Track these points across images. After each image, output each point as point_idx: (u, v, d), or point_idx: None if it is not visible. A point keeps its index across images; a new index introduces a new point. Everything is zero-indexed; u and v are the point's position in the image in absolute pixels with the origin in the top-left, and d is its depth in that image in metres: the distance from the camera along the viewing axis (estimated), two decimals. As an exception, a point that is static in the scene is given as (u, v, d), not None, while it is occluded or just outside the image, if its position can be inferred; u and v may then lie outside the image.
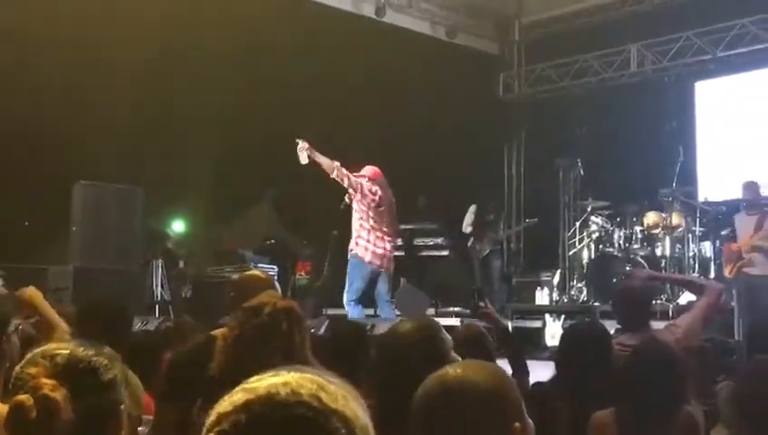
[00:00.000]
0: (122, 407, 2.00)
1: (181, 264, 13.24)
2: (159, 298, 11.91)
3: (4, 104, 11.56)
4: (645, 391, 3.42)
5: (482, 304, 4.67)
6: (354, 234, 9.21)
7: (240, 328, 2.89)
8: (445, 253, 11.88)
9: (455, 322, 10.11)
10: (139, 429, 3.26)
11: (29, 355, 1.97)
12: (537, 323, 10.41)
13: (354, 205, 9.18)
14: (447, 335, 2.72)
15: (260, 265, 12.88)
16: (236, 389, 1.35)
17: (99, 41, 11.67)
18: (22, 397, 1.87)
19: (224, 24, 12.08)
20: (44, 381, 1.89)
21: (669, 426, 3.36)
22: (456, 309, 11.37)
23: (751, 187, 10.01)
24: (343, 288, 12.94)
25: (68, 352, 1.96)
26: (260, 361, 2.71)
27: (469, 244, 12.00)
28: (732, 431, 3.33)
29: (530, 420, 1.81)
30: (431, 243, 11.75)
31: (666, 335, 4.58)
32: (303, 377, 1.32)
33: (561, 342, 4.21)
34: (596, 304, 10.78)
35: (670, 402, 3.41)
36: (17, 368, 1.95)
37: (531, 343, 9.86)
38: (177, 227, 14.05)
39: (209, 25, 12.08)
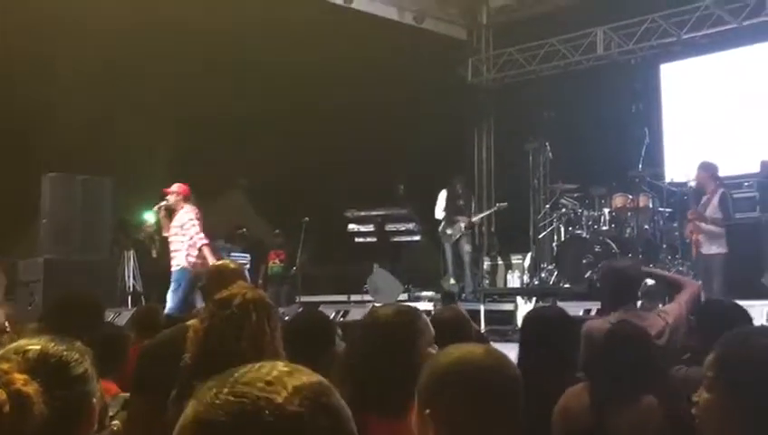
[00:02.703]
0: (94, 400, 2.04)
1: (154, 254, 13.19)
2: (132, 289, 11.89)
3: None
4: (615, 369, 3.51)
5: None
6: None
7: (210, 320, 2.91)
8: (416, 238, 11.92)
9: (428, 306, 10.21)
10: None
11: (1, 351, 2.00)
12: (509, 306, 10.49)
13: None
14: (427, 321, 2.74)
15: (233, 254, 12.91)
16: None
17: (68, 30, 11.57)
18: None
19: (186, 11, 12.02)
20: (17, 376, 1.92)
21: (634, 406, 3.44)
22: (429, 293, 11.48)
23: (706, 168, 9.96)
24: (317, 275, 13.04)
25: (39, 347, 1.99)
26: (230, 352, 2.75)
27: (440, 229, 12.07)
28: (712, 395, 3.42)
29: None
30: (402, 228, 11.78)
31: (656, 320, 4.65)
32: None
33: (523, 326, 4.27)
34: (566, 285, 10.90)
35: (638, 384, 3.49)
36: None
37: (503, 325, 9.95)
38: (149, 217, 13.98)
39: (167, 12, 12.01)
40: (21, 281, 10.75)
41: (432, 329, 2.68)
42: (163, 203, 9.64)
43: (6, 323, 2.88)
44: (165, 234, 9.73)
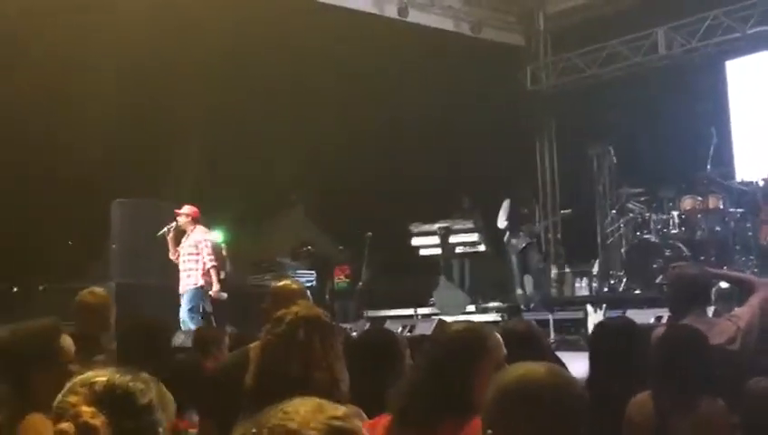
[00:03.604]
0: (161, 429, 2.06)
1: (222, 274, 13.34)
2: (202, 310, 12.02)
3: (44, 127, 11.79)
4: (671, 374, 3.44)
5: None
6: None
7: (265, 338, 2.93)
8: (482, 249, 11.84)
9: (495, 317, 10.12)
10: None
11: (69, 384, 2.03)
12: (578, 314, 10.32)
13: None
14: (498, 342, 2.70)
15: (298, 271, 13.00)
16: None
17: (134, 63, 11.84)
18: (63, 425, 1.93)
19: (246, 33, 12.18)
20: (84, 408, 1.95)
21: (695, 412, 3.36)
22: (496, 304, 11.37)
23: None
24: (383, 289, 13.03)
25: (106, 379, 2.02)
26: (280, 371, 2.76)
27: (505, 239, 11.95)
28: None
29: None
30: (467, 240, 11.72)
31: (727, 325, 4.52)
32: None
33: (590, 340, 4.19)
34: (636, 291, 10.69)
35: (696, 389, 3.42)
36: (58, 397, 2.01)
37: (573, 335, 9.81)
38: (215, 237, 14.15)
39: (232, 37, 12.19)
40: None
41: (503, 349, 2.65)
42: (173, 224, 9.86)
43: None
44: (171, 256, 9.94)
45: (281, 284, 3.87)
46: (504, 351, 2.64)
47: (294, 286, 3.82)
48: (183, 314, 9.50)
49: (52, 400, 2.03)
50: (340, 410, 1.64)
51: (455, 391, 2.45)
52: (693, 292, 4.69)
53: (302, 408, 1.62)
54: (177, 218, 9.87)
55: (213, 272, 9.70)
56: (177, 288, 10.08)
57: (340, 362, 2.88)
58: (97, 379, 2.02)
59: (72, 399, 1.98)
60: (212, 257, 9.72)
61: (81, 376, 2.05)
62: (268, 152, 13.66)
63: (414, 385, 2.57)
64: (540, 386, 1.84)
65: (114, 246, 11.15)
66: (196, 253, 9.72)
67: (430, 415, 2.44)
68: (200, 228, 9.89)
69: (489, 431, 1.85)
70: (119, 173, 12.39)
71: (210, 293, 9.81)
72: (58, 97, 11.64)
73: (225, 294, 9.98)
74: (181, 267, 9.83)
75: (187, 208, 9.92)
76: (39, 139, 11.99)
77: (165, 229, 9.98)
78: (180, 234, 9.94)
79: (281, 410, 1.60)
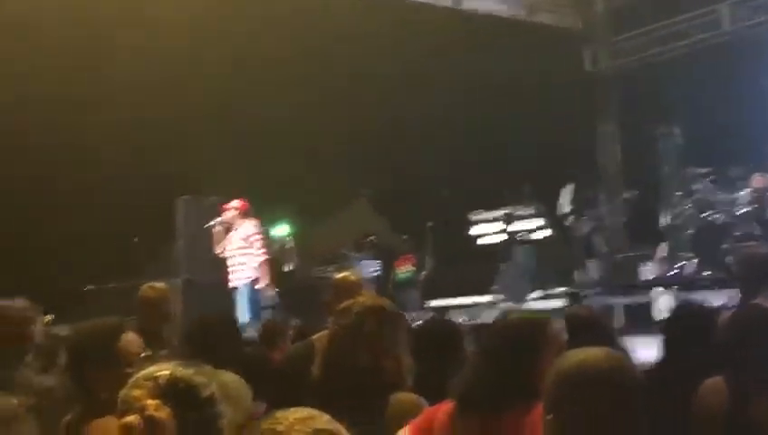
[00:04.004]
0: (224, 421, 2.09)
1: (287, 267, 13.47)
2: (268, 303, 12.16)
3: (109, 123, 12.04)
4: (742, 356, 3.37)
5: None
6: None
7: (332, 329, 2.96)
8: (545, 234, 11.75)
9: (559, 304, 10.03)
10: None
11: (133, 378, 2.07)
12: (645, 298, 10.16)
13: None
14: (558, 331, 2.69)
15: (362, 262, 13.05)
16: None
17: (194, 57, 12.01)
18: (129, 418, 1.97)
19: (307, 27, 12.25)
20: (149, 401, 1.99)
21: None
22: (560, 290, 11.25)
23: None
24: (446, 279, 13.00)
25: (169, 372, 2.05)
26: (348, 361, 2.79)
27: (568, 223, 11.82)
28: None
29: None
30: (529, 226, 11.63)
31: None
32: None
33: (665, 326, 4.12)
34: (706, 273, 10.46)
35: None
36: (122, 391, 2.05)
37: (640, 319, 9.66)
38: (281, 230, 14.27)
39: (290, 28, 12.28)
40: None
41: (564, 337, 2.64)
42: (220, 219, 9.85)
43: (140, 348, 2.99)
44: (217, 250, 9.89)
45: (340, 276, 3.90)
46: (566, 337, 2.62)
47: (353, 278, 3.85)
48: (241, 307, 9.48)
49: (116, 397, 2.07)
50: (328, 419, 1.78)
51: (516, 380, 2.45)
52: (763, 272, 4.59)
53: (292, 415, 1.74)
54: (225, 213, 9.84)
55: (265, 266, 9.64)
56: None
57: (405, 351, 2.90)
58: (160, 373, 2.05)
59: (137, 392, 2.02)
60: (264, 251, 9.68)
61: (145, 370, 2.09)
62: (332, 146, 13.74)
63: (476, 373, 2.58)
64: (598, 371, 1.83)
65: (179, 242, 11.33)
66: (248, 246, 9.69)
67: (493, 402, 2.44)
68: (250, 222, 9.84)
69: (549, 416, 1.84)
70: (183, 170, 12.58)
71: (258, 287, 9.73)
72: (121, 95, 11.87)
73: (272, 291, 9.93)
74: (230, 262, 9.79)
75: (235, 202, 9.91)
76: (102, 137, 12.23)
77: (212, 223, 9.98)
78: (227, 228, 9.92)
79: (274, 416, 1.73)
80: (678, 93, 12.79)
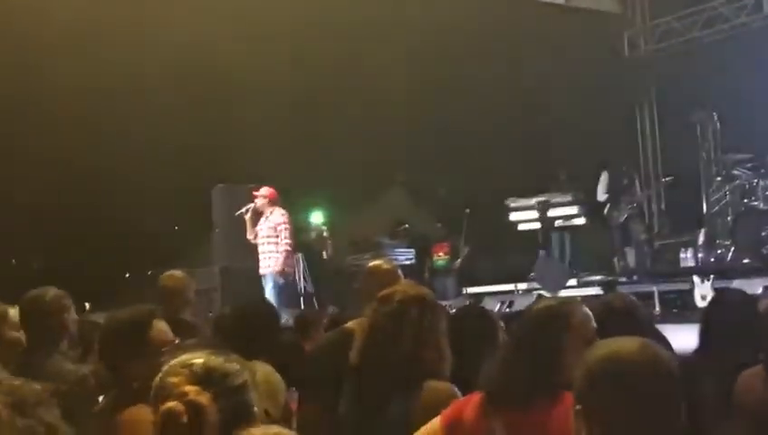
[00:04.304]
0: (256, 409, 2.12)
1: (324, 254, 13.52)
2: (304, 291, 12.24)
3: (147, 111, 12.14)
4: None
5: None
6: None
7: (373, 317, 2.97)
8: (581, 222, 11.65)
9: (596, 291, 9.95)
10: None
11: (165, 367, 2.10)
12: (685, 286, 10.05)
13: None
14: (586, 317, 2.66)
15: (397, 249, 13.07)
16: None
17: (231, 41, 12.08)
18: (171, 404, 2.00)
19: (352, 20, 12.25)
20: (189, 387, 2.02)
21: None
22: (598, 278, 11.17)
23: None
24: (482, 266, 12.96)
25: (203, 360, 2.08)
26: (392, 347, 2.81)
27: (605, 210, 11.71)
28: None
29: None
30: (566, 213, 11.54)
31: None
32: None
33: (706, 312, 4.07)
34: (745, 260, 10.32)
35: None
36: (156, 379, 2.08)
37: (679, 307, 9.57)
38: (316, 218, 14.32)
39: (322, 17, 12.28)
40: (199, 290, 11.27)
41: (592, 324, 2.61)
42: (251, 205, 9.88)
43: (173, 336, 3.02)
44: (248, 237, 9.93)
45: (373, 264, 3.91)
46: (594, 325, 2.59)
47: (387, 266, 3.85)
48: (271, 296, 9.51)
49: (148, 385, 2.10)
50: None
51: (543, 369, 2.43)
52: None
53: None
54: (255, 200, 9.89)
55: (284, 255, 9.66)
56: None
57: (445, 340, 2.92)
58: (194, 360, 2.08)
59: (174, 379, 2.05)
60: (289, 242, 9.71)
61: (178, 359, 2.12)
62: (368, 133, 13.73)
63: (504, 363, 2.57)
64: (630, 363, 1.79)
65: (217, 230, 11.42)
66: (275, 235, 9.73)
67: (521, 393, 2.43)
68: (279, 210, 9.85)
69: (578, 407, 1.83)
70: (219, 157, 12.67)
71: (274, 274, 9.72)
72: (153, 85, 11.96)
73: (282, 280, 9.95)
74: (260, 249, 9.83)
75: (264, 190, 9.92)
76: (140, 126, 12.35)
77: (243, 210, 10.02)
78: (258, 215, 9.96)
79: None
80: (717, 78, 12.59)
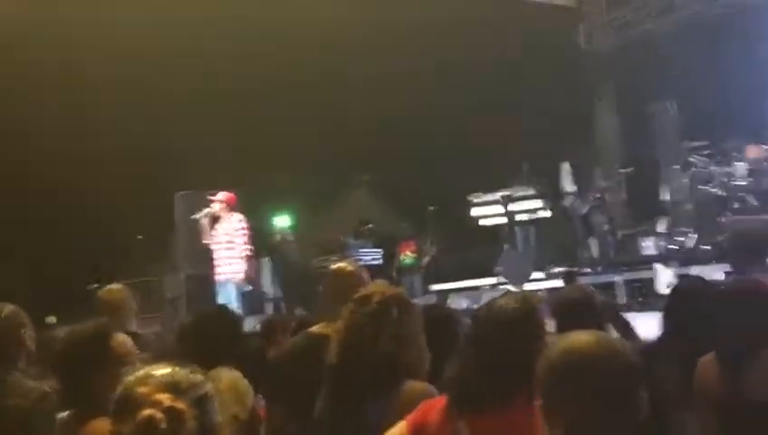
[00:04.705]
0: (219, 419, 2.11)
1: (289, 258, 13.49)
2: (271, 295, 12.21)
3: (106, 125, 12.04)
4: (733, 330, 3.38)
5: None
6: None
7: (350, 318, 2.98)
8: (544, 215, 11.75)
9: (561, 283, 10.03)
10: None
11: (129, 378, 2.08)
12: (648, 274, 10.18)
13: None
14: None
15: (362, 250, 13.08)
16: None
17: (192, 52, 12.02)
18: (149, 411, 1.97)
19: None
20: (162, 396, 2.00)
21: (760, 366, 3.29)
22: (563, 269, 11.26)
23: None
24: (448, 263, 13.01)
25: (168, 371, 2.07)
26: (372, 348, 2.83)
27: (568, 202, 11.82)
28: None
29: None
30: (530, 206, 11.63)
31: None
32: None
33: (667, 300, 4.11)
34: (706, 247, 10.47)
35: (758, 342, 3.35)
36: (119, 390, 2.06)
37: (644, 295, 9.68)
38: (281, 222, 14.27)
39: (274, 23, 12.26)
40: (166, 298, 11.22)
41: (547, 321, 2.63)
42: (207, 210, 9.79)
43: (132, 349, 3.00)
44: (205, 241, 9.86)
45: (336, 266, 3.89)
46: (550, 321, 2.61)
47: (350, 268, 3.84)
48: (234, 302, 9.43)
49: (106, 398, 2.08)
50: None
51: (507, 372, 2.41)
52: (753, 244, 4.59)
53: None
54: (212, 205, 9.80)
55: (246, 260, 9.63)
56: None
57: (423, 339, 2.93)
58: (159, 371, 2.07)
59: (144, 389, 2.02)
60: (248, 247, 9.67)
61: (141, 371, 2.10)
62: (332, 135, 13.73)
63: (467, 366, 2.55)
64: (587, 356, 1.81)
65: (179, 238, 11.34)
66: (232, 240, 9.66)
67: (486, 396, 2.42)
68: (237, 216, 9.78)
69: (540, 402, 1.85)
70: (180, 165, 12.60)
71: (236, 281, 9.68)
72: (110, 94, 11.88)
73: (250, 287, 9.91)
74: (217, 255, 9.76)
75: (222, 195, 9.81)
76: (99, 136, 12.25)
77: (199, 214, 9.92)
78: (215, 220, 9.89)
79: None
80: (673, 68, 12.75)
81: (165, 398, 1.98)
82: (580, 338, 1.89)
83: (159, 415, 1.94)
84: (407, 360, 2.85)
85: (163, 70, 12.07)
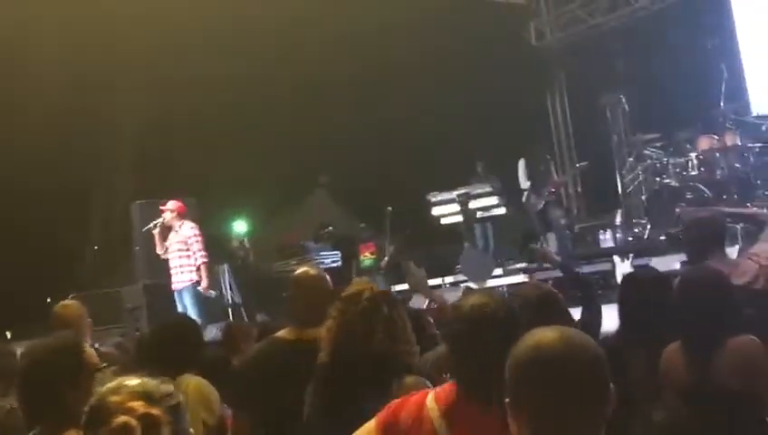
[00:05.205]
0: (192, 430, 2.10)
1: (246, 263, 13.41)
2: (231, 301, 12.12)
3: (57, 135, 11.87)
4: (695, 319, 3.43)
5: (533, 245, 4.65)
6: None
7: (342, 316, 2.97)
8: (502, 212, 11.82)
9: (523, 278, 10.11)
10: None
11: (102, 389, 2.06)
12: (606, 266, 10.29)
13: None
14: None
15: (322, 252, 13.04)
16: None
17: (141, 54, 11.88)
18: (124, 418, 1.95)
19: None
20: (135, 403, 1.98)
21: (725, 353, 3.35)
22: (522, 265, 11.35)
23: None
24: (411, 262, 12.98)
25: (138, 381, 2.06)
26: (367, 345, 2.85)
27: (524, 198, 11.90)
28: None
29: None
30: (487, 204, 11.69)
31: (748, 264, 4.49)
32: None
33: (620, 293, 4.15)
34: (661, 238, 10.62)
35: (722, 330, 3.40)
36: (92, 401, 2.03)
37: (601, 287, 9.77)
38: (239, 227, 14.20)
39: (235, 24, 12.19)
40: (126, 308, 11.09)
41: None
42: (159, 220, 9.80)
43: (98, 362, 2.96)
44: (158, 251, 9.88)
45: (300, 271, 3.88)
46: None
47: (313, 272, 3.84)
48: (192, 311, 9.39)
49: (78, 411, 2.05)
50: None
51: (489, 371, 2.39)
52: (707, 235, 4.67)
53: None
54: (163, 214, 9.78)
55: (203, 268, 9.60)
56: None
57: (412, 333, 2.97)
58: (130, 382, 2.05)
59: (116, 398, 2.00)
60: (203, 254, 9.64)
61: (112, 382, 2.08)
62: (287, 137, 13.67)
63: (449, 363, 2.55)
64: (550, 352, 1.81)
65: (137, 248, 11.22)
66: (186, 249, 9.65)
67: (476, 394, 2.40)
68: (188, 223, 9.78)
69: (507, 400, 1.84)
70: (135, 174, 12.48)
71: (199, 289, 9.66)
72: (70, 105, 11.72)
73: (213, 293, 9.90)
74: (172, 263, 9.75)
75: (172, 204, 9.81)
76: (52, 148, 12.07)
77: (150, 225, 9.92)
78: (167, 230, 9.85)
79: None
80: (623, 62, 12.92)
81: (139, 405, 1.98)
82: (545, 334, 1.89)
83: (134, 422, 1.94)
84: (399, 355, 2.88)
85: (117, 74, 11.94)
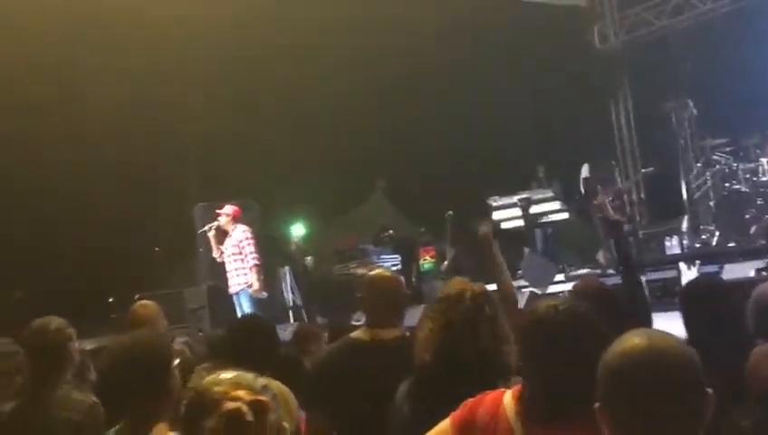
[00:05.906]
0: (286, 424, 2.08)
1: (309, 263, 13.46)
2: (292, 304, 12.18)
3: (122, 136, 12.07)
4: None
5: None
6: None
7: (444, 316, 2.94)
8: (564, 217, 11.67)
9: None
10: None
11: (201, 382, 2.04)
12: (672, 273, 10.08)
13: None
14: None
15: (382, 256, 13.03)
16: None
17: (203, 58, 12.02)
18: (234, 404, 1.94)
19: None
20: (241, 392, 1.97)
21: None
22: (586, 271, 11.19)
23: None
24: (468, 266, 12.92)
25: (236, 374, 2.04)
26: (471, 345, 2.84)
27: (587, 203, 11.73)
28: None
29: None
30: (548, 209, 11.56)
31: None
32: None
33: (680, 308, 4.04)
34: (731, 244, 10.38)
35: None
36: (193, 393, 2.01)
37: (668, 295, 9.57)
38: (297, 230, 14.27)
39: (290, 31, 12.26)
40: (188, 309, 11.20)
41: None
42: (214, 224, 9.89)
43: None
44: (214, 255, 9.97)
45: (374, 273, 3.86)
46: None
47: (388, 274, 3.84)
48: (246, 312, 9.46)
49: (166, 408, 2.04)
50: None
51: (578, 382, 2.32)
52: None
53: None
54: (219, 218, 9.91)
55: (254, 270, 9.69)
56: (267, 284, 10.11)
57: (511, 335, 2.92)
58: (227, 375, 2.04)
59: (219, 389, 1.99)
60: (255, 256, 9.73)
61: (209, 377, 2.07)
62: (346, 142, 13.71)
63: (534, 373, 2.49)
64: (639, 364, 1.75)
65: (201, 249, 11.33)
66: (239, 252, 9.75)
67: (555, 406, 2.35)
68: (241, 227, 9.88)
69: (598, 405, 1.80)
70: (200, 177, 12.63)
71: (251, 291, 9.73)
72: (133, 107, 11.92)
73: (265, 294, 9.95)
74: (227, 268, 9.87)
75: (227, 208, 9.97)
76: (118, 152, 12.28)
77: (206, 228, 10.06)
78: (223, 234, 9.96)
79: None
80: (689, 65, 12.67)
81: (244, 393, 1.97)
82: (633, 343, 1.84)
83: (245, 407, 1.93)
84: (504, 355, 2.86)
85: (177, 78, 12.10)
